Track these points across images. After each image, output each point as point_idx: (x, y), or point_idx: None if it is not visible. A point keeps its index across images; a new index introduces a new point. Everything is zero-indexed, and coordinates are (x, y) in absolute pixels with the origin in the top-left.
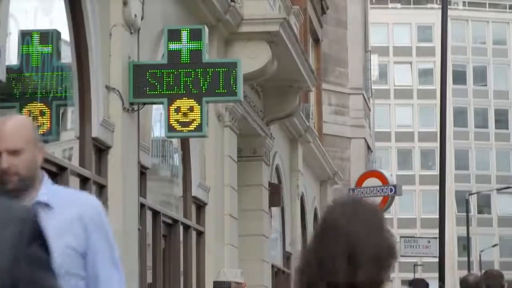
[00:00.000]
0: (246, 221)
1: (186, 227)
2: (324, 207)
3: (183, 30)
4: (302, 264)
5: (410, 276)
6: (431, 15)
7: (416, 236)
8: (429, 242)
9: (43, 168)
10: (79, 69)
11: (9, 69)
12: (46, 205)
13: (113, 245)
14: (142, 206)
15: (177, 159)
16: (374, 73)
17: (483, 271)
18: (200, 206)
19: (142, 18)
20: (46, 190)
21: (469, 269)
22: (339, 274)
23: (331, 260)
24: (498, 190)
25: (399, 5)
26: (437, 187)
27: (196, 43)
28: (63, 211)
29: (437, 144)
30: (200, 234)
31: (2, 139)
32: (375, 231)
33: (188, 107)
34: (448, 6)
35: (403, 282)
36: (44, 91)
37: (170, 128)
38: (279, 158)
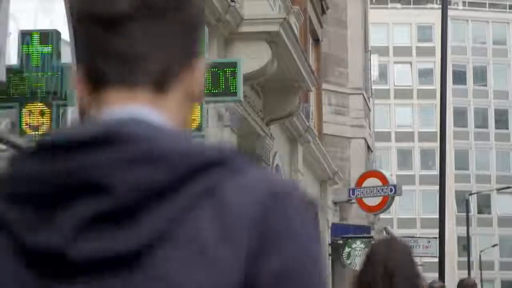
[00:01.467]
0: None
1: None
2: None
3: None
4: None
5: None
6: (431, 15)
7: (416, 236)
8: (429, 242)
9: None
10: None
11: (9, 69)
12: None
13: None
14: None
15: None
16: (374, 73)
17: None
18: None
19: None
20: None
21: (469, 269)
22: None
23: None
24: (498, 190)
25: (399, 5)
26: (437, 187)
27: None
28: None
29: (437, 144)
30: None
31: None
32: (407, 261)
33: None
34: (448, 6)
35: None
36: (44, 91)
37: None
38: (279, 158)
